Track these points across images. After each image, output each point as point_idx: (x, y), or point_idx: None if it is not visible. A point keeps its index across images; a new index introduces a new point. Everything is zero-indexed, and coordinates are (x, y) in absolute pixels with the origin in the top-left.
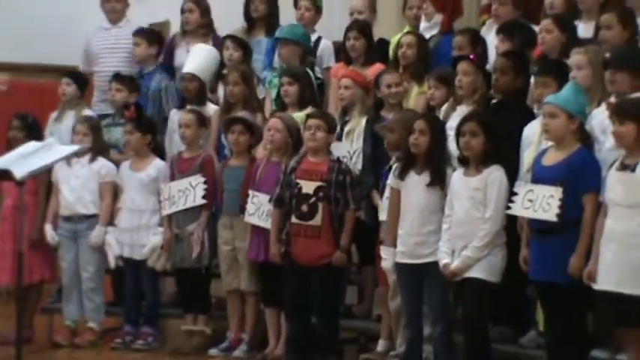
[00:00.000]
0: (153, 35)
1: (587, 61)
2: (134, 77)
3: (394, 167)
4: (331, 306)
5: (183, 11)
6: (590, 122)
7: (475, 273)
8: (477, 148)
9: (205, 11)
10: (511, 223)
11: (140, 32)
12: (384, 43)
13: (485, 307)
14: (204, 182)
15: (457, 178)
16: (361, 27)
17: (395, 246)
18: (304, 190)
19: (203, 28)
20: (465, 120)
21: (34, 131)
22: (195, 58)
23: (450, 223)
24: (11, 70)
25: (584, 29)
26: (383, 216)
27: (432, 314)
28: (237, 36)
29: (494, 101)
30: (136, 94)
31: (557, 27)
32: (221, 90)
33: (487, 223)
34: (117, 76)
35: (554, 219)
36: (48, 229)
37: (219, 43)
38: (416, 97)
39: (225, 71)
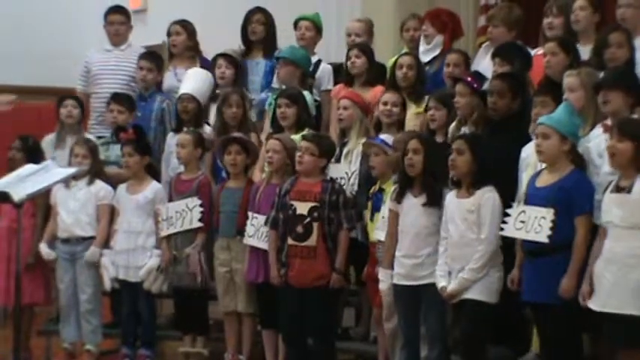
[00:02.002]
0: (159, 60)
1: (580, 83)
2: (131, 97)
3: (392, 189)
4: (328, 328)
5: (169, 34)
6: (586, 144)
7: (472, 294)
8: (462, 166)
9: (192, 34)
10: (511, 243)
11: (149, 57)
12: (380, 66)
13: (483, 328)
14: (201, 205)
15: (450, 200)
16: (362, 47)
17: (392, 268)
18: (299, 211)
19: (190, 50)
20: (454, 139)
21: (34, 153)
22: (192, 80)
23: (446, 245)
24: (12, 92)
25: (582, 52)
26: (374, 237)
27: (429, 336)
28: (229, 54)
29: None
30: (133, 114)
31: (563, 50)
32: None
33: (482, 244)
34: (116, 98)
35: (545, 240)
36: (43, 247)
37: (207, 65)
38: (413, 117)
39: (218, 91)
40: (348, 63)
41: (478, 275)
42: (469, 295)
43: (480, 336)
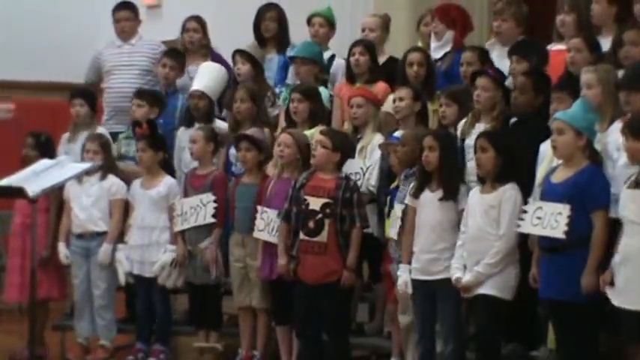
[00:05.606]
0: (182, 59)
1: (597, 79)
2: (157, 92)
3: (410, 186)
4: (341, 323)
5: (186, 30)
6: (604, 139)
7: (487, 289)
8: (487, 164)
9: (206, 31)
10: (524, 240)
11: (172, 55)
12: (394, 61)
13: (497, 324)
14: (215, 200)
15: (474, 194)
16: (366, 44)
17: (410, 262)
18: (311, 207)
19: (204, 48)
20: (477, 137)
21: (47, 149)
22: (204, 76)
23: (464, 239)
24: (23, 88)
25: (603, 44)
26: (391, 233)
27: (444, 331)
28: (245, 50)
29: (513, 120)
30: (158, 109)
31: (587, 46)
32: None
33: (500, 240)
34: (138, 92)
35: (561, 236)
36: (61, 247)
37: (218, 60)
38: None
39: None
40: (351, 59)
41: (493, 270)
42: (484, 290)
43: (494, 331)
